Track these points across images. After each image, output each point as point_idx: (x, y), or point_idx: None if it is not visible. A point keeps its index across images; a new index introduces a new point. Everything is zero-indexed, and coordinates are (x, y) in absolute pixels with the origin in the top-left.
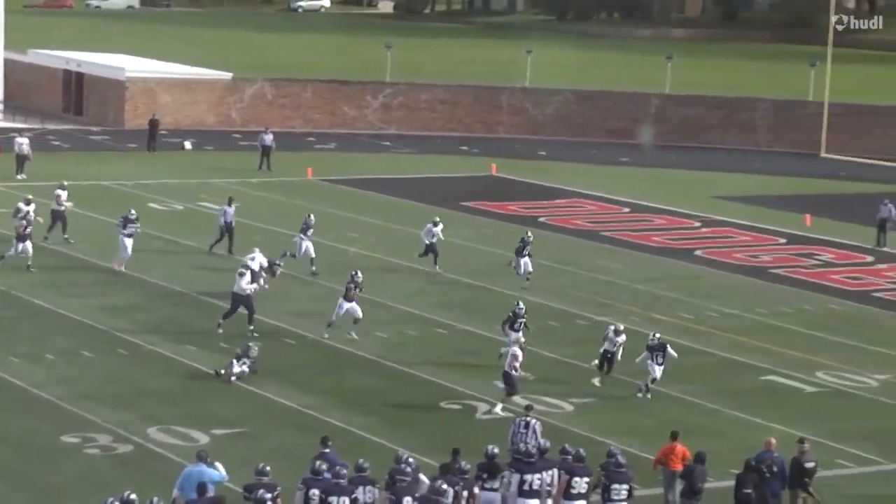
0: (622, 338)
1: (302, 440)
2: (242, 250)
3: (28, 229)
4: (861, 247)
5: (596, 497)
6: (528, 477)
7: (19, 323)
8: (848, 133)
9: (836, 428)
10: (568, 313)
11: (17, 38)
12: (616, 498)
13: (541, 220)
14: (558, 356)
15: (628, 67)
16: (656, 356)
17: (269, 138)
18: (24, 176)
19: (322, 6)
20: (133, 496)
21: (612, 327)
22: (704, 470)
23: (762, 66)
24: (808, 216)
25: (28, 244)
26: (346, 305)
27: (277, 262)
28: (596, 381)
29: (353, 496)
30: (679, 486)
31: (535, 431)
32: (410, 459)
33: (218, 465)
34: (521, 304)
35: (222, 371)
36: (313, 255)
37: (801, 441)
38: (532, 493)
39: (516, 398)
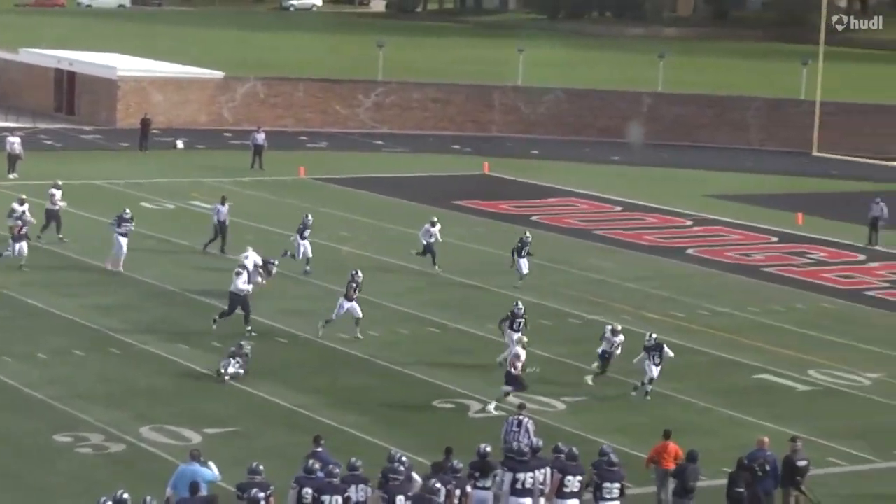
0: (620, 338)
1: (294, 439)
2: (235, 249)
3: (24, 229)
4: (853, 245)
5: (588, 496)
6: (520, 475)
7: (12, 322)
8: (839, 131)
9: (829, 426)
10: (560, 312)
11: (9, 37)
12: (608, 496)
13: (533, 218)
14: (551, 355)
15: (620, 66)
16: (653, 356)
17: (261, 137)
18: (15, 175)
19: (314, 5)
20: (126, 495)
21: (610, 327)
22: (696, 469)
23: (754, 65)
24: (800, 215)
25: (24, 244)
26: (347, 305)
27: (272, 260)
28: (588, 380)
29: (346, 495)
30: (671, 484)
31: (527, 430)
32: (403, 458)
33: (211, 464)
34: (520, 305)
35: (220, 370)
36: (310, 255)
37: (794, 439)
38: (525, 492)
39: (510, 398)
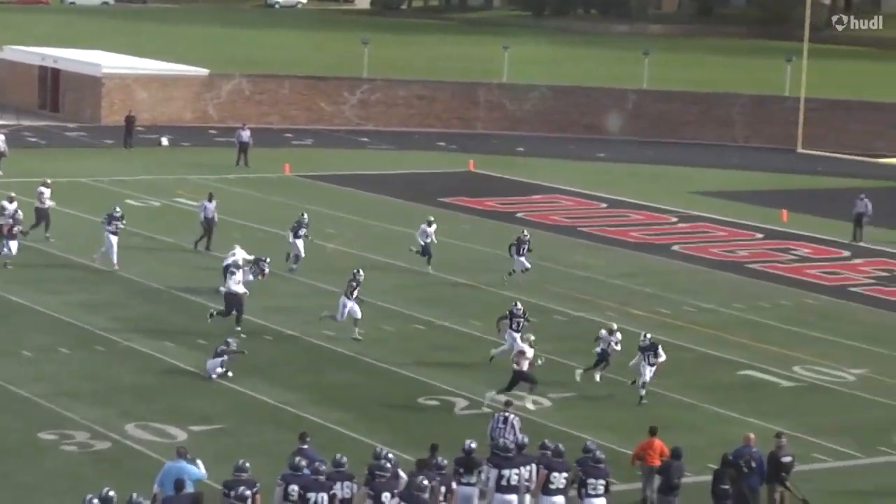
0: (617, 336)
1: (280, 436)
2: (221, 247)
3: (16, 228)
4: (838, 241)
5: (573, 492)
6: (505, 472)
7: None
8: (824, 128)
9: (814, 422)
10: (546, 309)
11: None
12: (593, 493)
13: (518, 215)
14: (536, 350)
15: (605, 63)
16: (648, 356)
17: (246, 134)
18: (0, 173)
19: (299, 2)
20: (111, 493)
21: (604, 330)
22: (681, 465)
23: (739, 62)
24: (784, 211)
25: (15, 243)
26: (349, 304)
27: (264, 259)
28: (596, 377)
29: (332, 492)
30: (657, 481)
31: (513, 427)
32: (390, 455)
33: (199, 462)
34: (519, 305)
35: (222, 370)
36: (302, 255)
37: (778, 435)
38: (510, 489)
39: (492, 393)
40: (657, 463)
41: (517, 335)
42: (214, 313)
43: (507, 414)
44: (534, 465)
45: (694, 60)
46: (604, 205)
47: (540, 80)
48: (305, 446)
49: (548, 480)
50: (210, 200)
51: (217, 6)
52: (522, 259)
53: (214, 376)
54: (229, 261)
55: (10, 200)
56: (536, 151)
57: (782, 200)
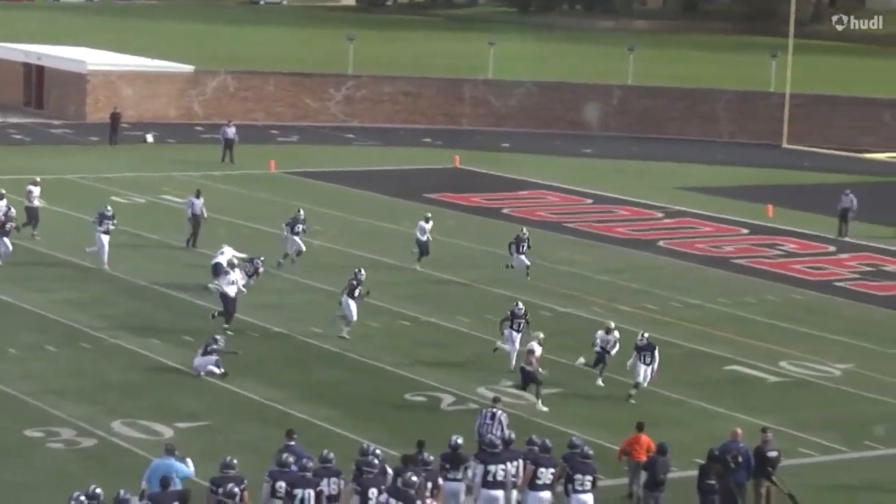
0: (615, 335)
1: (267, 433)
2: (207, 243)
3: (8, 224)
4: (823, 237)
5: (560, 488)
6: (491, 468)
7: None
8: (809, 123)
9: (800, 417)
10: (532, 304)
11: None
12: (580, 489)
13: (504, 211)
14: (521, 347)
15: (590, 59)
16: (644, 356)
17: (231, 131)
18: None
19: None
20: (98, 490)
21: (601, 331)
22: (666, 461)
23: (724, 58)
24: (770, 206)
25: (7, 240)
26: (351, 303)
27: (258, 259)
28: (600, 382)
29: (319, 488)
30: (643, 477)
31: (500, 423)
32: (377, 451)
33: (188, 460)
34: (521, 305)
35: (219, 371)
36: (302, 249)
37: (765, 430)
38: (496, 484)
39: (481, 390)
40: (644, 458)
41: (517, 335)
42: (216, 314)
43: (494, 410)
44: (521, 461)
45: (679, 56)
46: (589, 200)
47: (525, 77)
48: (292, 443)
49: (535, 476)
50: (198, 197)
51: (201, 3)
52: (522, 257)
53: (203, 373)
54: (218, 259)
55: (0, 197)
56: (522, 147)
57: (768, 196)
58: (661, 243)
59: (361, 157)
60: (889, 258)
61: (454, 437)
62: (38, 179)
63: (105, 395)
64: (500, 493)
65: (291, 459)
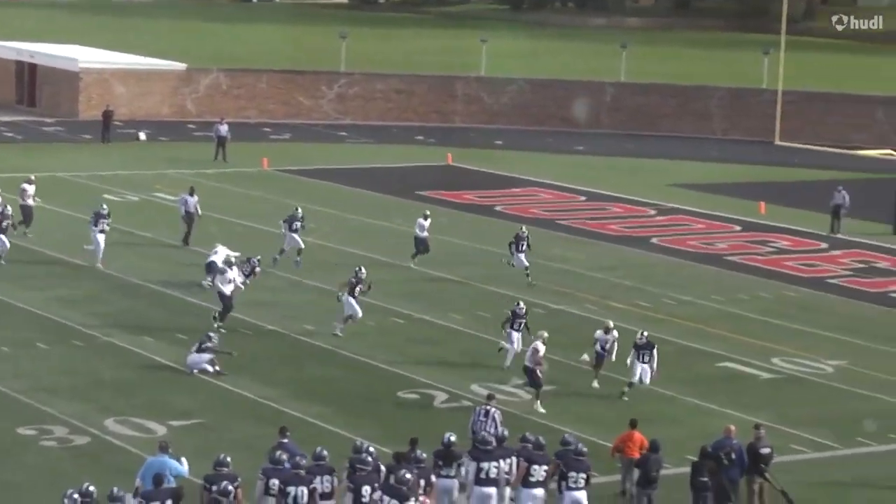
0: (613, 334)
1: (260, 431)
2: (200, 241)
3: (5, 222)
4: (815, 233)
5: (553, 485)
6: (484, 465)
7: None
8: (801, 120)
9: (792, 414)
10: (525, 302)
11: None
12: (574, 486)
13: (497, 208)
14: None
15: (583, 56)
16: (643, 355)
17: (224, 129)
18: None
19: None
20: (91, 488)
21: (599, 331)
22: (659, 459)
23: (716, 55)
24: (762, 203)
25: (4, 237)
26: (353, 301)
27: (255, 259)
28: (595, 384)
29: (312, 486)
30: (636, 474)
31: (494, 420)
32: (371, 449)
33: (183, 460)
34: (522, 304)
35: (215, 369)
36: (286, 249)
37: (757, 427)
38: (489, 481)
39: (475, 387)
40: (637, 455)
41: (516, 335)
42: (217, 315)
43: (488, 407)
44: (514, 458)
45: (671, 53)
46: (582, 198)
47: (518, 74)
48: (286, 440)
49: (528, 473)
50: (191, 195)
51: (194, 0)
52: (522, 256)
53: (196, 371)
54: (212, 258)
55: None
56: (514, 145)
57: (760, 193)
58: (653, 240)
59: (354, 155)
60: (881, 255)
61: (447, 435)
62: (33, 178)
63: (98, 393)
64: (492, 491)
65: (285, 457)
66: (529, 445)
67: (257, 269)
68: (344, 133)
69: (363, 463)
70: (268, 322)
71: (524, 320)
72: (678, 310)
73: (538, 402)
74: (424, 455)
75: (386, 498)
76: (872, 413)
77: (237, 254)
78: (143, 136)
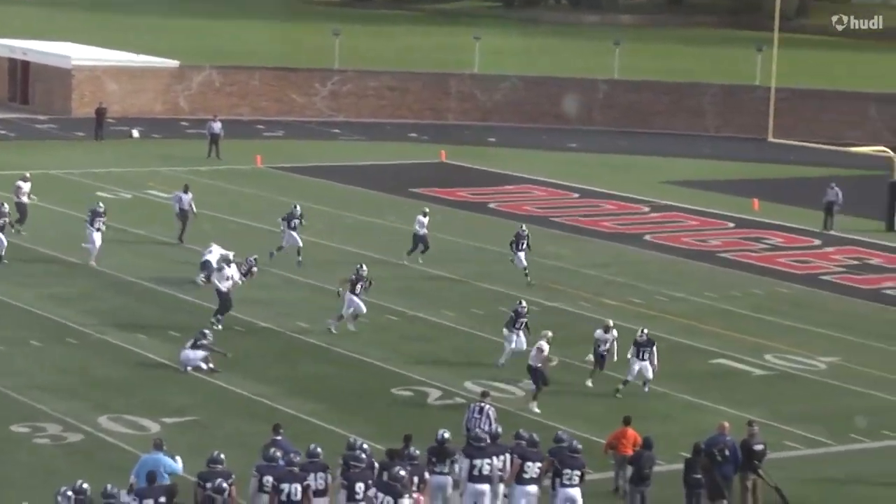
0: (613, 333)
1: (253, 428)
2: (194, 239)
3: (0, 220)
4: (808, 230)
5: (547, 482)
6: (477, 462)
7: None
8: (795, 117)
9: (785, 410)
10: (517, 298)
11: None
12: (568, 483)
13: (490, 206)
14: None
15: (576, 53)
16: (643, 352)
17: (217, 126)
18: None
19: None
20: (85, 485)
21: (599, 330)
22: (652, 456)
23: (709, 52)
24: (755, 200)
25: (2, 235)
26: (355, 299)
27: (252, 258)
28: (589, 383)
29: (306, 483)
30: (628, 471)
31: (488, 417)
32: (365, 446)
33: (178, 458)
34: (524, 303)
35: (208, 367)
36: (300, 244)
37: (750, 423)
38: (482, 478)
39: (468, 384)
40: (630, 452)
41: (515, 334)
42: (221, 317)
43: (482, 404)
44: (508, 455)
45: (664, 50)
46: (576, 195)
47: (511, 71)
48: (279, 437)
49: (522, 470)
50: (185, 192)
51: None
52: (521, 255)
53: (190, 368)
54: (207, 257)
55: None
56: (508, 142)
57: (753, 190)
58: (647, 237)
59: (347, 152)
60: (874, 251)
61: (441, 431)
62: (28, 175)
63: (91, 391)
64: (486, 487)
65: (279, 454)
66: (523, 442)
67: (254, 269)
68: (337, 130)
69: (357, 460)
70: (261, 319)
71: (525, 319)
72: (671, 306)
73: (535, 402)
74: (418, 452)
75: (380, 495)
76: (865, 409)
77: (232, 253)
78: (136, 133)
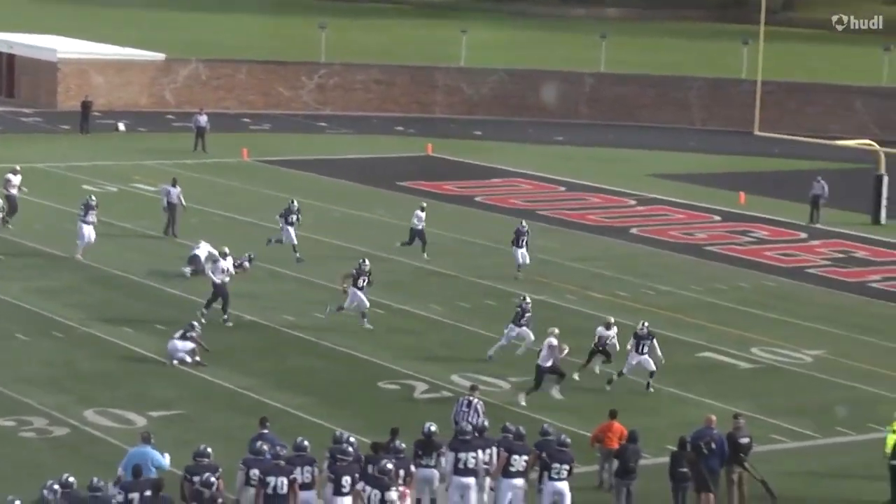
0: (614, 330)
1: (240, 421)
2: (183, 232)
3: None
4: (795, 223)
5: (534, 475)
6: (462, 455)
7: None
8: (781, 111)
9: (771, 403)
10: (504, 292)
11: None
12: (556, 477)
13: (477, 199)
14: (495, 335)
15: (562, 47)
16: (642, 346)
17: (203, 119)
18: None
19: None
20: (71, 479)
21: (601, 327)
22: (637, 449)
23: (695, 45)
24: (742, 194)
25: None
26: (358, 293)
27: (249, 256)
28: (576, 376)
29: (292, 476)
30: (614, 464)
31: (477, 410)
32: (351, 439)
33: (166, 455)
34: (528, 299)
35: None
36: (294, 242)
37: (736, 416)
38: (467, 472)
39: (455, 377)
40: (616, 446)
41: (515, 330)
42: (226, 316)
43: (471, 398)
44: (494, 448)
45: (651, 44)
46: (562, 188)
47: (498, 64)
48: (266, 431)
49: (508, 463)
50: (174, 185)
51: None
52: (518, 252)
53: (175, 361)
54: (195, 252)
55: None
56: (494, 135)
57: (740, 183)
58: (633, 230)
59: (334, 146)
60: (860, 244)
61: (427, 424)
62: (18, 168)
63: (77, 384)
64: (471, 480)
65: (265, 447)
66: (510, 435)
67: (246, 265)
68: (324, 124)
69: (344, 453)
70: (248, 313)
71: (530, 314)
72: (657, 300)
73: (524, 395)
74: (403, 445)
75: (367, 488)
76: (851, 403)
77: (226, 248)
78: (121, 126)
